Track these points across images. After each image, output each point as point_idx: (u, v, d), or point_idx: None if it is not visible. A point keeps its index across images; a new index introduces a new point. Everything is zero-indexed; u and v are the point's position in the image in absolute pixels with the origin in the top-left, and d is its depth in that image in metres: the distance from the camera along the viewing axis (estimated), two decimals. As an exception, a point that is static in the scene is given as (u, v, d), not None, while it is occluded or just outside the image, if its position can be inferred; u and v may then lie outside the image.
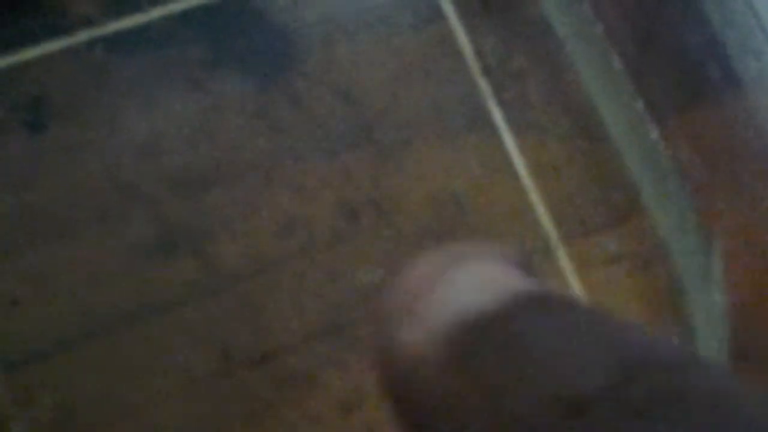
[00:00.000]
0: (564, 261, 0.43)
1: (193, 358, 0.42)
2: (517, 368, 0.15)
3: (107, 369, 0.42)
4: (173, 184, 0.44)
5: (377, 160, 0.45)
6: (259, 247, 0.43)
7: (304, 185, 0.44)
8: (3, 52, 0.45)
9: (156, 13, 0.47)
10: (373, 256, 0.43)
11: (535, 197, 0.44)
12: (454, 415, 0.15)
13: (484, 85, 0.46)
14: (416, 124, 0.46)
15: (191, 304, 0.42)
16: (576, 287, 0.43)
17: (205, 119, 0.45)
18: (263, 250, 0.43)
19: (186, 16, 0.47)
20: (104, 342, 0.42)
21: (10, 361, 0.41)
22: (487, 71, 0.47)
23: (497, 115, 0.46)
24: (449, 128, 0.46)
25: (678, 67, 0.44)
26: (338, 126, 0.46)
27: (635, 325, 0.16)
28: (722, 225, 0.42)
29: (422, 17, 0.47)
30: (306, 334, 0.42)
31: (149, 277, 0.42)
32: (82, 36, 0.46)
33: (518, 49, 0.47)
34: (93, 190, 0.44)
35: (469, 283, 0.17)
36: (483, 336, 0.16)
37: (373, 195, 0.44)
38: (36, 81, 0.45)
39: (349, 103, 0.46)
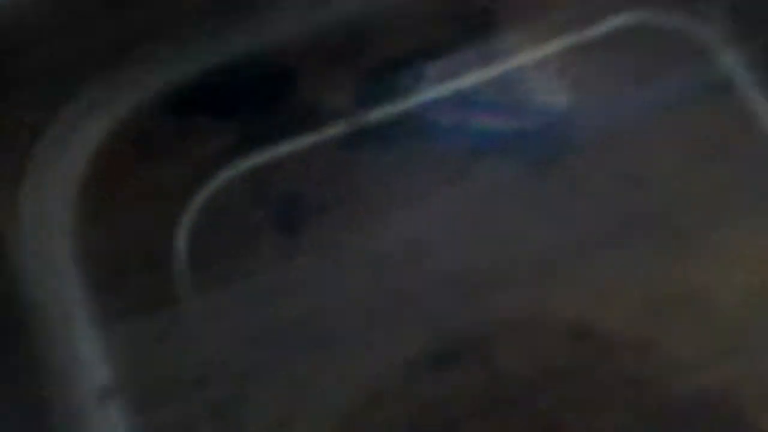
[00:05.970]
0: None
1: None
2: None
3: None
4: (445, 285, 0.39)
5: (676, 249, 0.39)
6: (549, 353, 0.38)
7: (595, 281, 0.39)
8: (256, 149, 0.41)
9: (411, 102, 0.42)
10: (684, 358, 0.37)
11: None
12: None
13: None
14: (717, 208, 0.40)
15: (477, 422, 0.37)
16: None
17: (474, 211, 0.40)
18: (554, 356, 0.37)
19: (442, 103, 0.43)
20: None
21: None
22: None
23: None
24: (756, 211, 0.40)
25: None
26: (627, 212, 0.40)
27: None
28: None
29: (713, 88, 0.42)
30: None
31: (429, 393, 0.37)
32: (335, 130, 0.42)
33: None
34: (356, 295, 0.39)
35: None
36: None
37: (678, 288, 0.38)
38: (290, 179, 0.41)
39: (637, 187, 0.40)
